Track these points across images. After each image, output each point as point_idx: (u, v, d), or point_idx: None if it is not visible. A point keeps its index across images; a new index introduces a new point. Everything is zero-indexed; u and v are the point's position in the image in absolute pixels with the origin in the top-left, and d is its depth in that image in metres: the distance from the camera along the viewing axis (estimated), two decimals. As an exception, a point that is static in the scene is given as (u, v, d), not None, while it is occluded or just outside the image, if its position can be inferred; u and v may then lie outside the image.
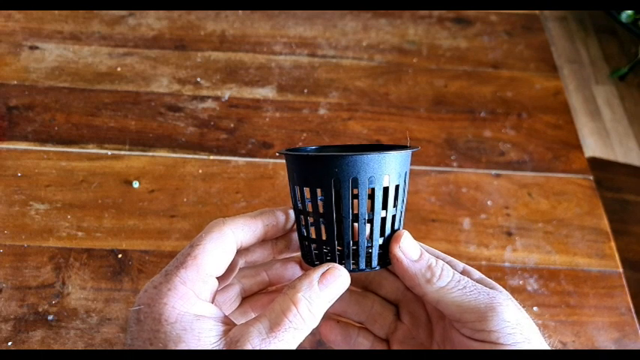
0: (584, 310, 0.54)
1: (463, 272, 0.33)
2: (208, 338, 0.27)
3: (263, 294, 0.37)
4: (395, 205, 0.32)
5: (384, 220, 0.31)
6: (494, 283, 0.33)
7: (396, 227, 0.32)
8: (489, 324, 0.29)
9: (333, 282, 0.30)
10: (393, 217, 0.32)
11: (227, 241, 0.30)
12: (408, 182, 0.33)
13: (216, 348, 0.27)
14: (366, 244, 0.31)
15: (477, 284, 0.31)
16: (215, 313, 0.29)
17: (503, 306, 0.30)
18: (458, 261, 0.34)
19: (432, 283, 0.31)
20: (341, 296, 0.31)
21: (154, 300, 0.28)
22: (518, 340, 0.29)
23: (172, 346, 0.26)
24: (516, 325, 0.29)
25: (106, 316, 0.49)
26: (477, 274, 0.33)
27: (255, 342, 0.27)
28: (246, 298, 0.36)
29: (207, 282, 0.29)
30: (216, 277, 0.30)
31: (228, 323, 0.29)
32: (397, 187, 0.31)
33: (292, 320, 0.28)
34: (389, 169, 0.30)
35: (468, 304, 0.30)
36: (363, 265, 0.31)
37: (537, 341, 0.30)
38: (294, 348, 0.28)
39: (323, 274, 0.30)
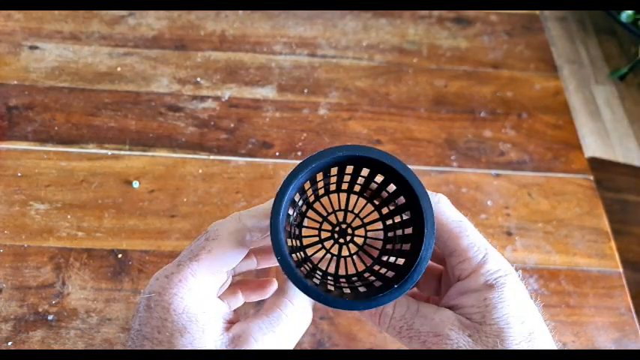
0: (584, 310, 0.54)
1: (477, 267, 0.31)
2: (213, 330, 0.28)
3: (252, 279, 0.37)
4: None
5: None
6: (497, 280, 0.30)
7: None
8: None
9: None
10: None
11: (242, 238, 0.30)
12: None
13: (220, 341, 0.28)
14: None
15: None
16: (222, 309, 0.30)
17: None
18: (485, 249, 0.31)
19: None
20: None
21: (164, 289, 0.28)
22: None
23: (178, 336, 0.27)
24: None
25: (106, 316, 0.50)
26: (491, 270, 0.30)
27: (258, 336, 0.28)
28: (235, 278, 0.37)
29: (218, 276, 0.30)
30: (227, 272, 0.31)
31: (232, 320, 0.30)
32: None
33: (288, 315, 0.29)
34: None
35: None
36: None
37: None
38: (295, 340, 0.30)
39: None
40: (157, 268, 0.53)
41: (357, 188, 0.33)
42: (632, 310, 0.54)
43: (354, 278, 0.33)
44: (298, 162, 0.28)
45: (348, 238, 0.33)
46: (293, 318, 0.29)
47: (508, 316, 0.29)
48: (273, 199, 0.28)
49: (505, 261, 0.31)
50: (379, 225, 0.33)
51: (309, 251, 0.33)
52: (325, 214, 0.33)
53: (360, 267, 0.33)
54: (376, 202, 0.33)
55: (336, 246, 0.33)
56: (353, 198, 0.34)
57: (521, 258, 0.56)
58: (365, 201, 0.34)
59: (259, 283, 0.36)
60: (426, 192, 0.28)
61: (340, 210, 0.33)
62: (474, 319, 0.29)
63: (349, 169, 0.31)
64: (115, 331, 0.49)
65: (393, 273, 0.30)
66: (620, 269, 0.57)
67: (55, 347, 0.48)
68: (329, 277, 0.33)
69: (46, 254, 0.53)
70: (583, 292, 0.55)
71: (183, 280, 0.29)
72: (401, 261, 0.30)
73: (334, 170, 0.31)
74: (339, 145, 0.28)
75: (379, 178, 0.31)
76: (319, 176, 0.31)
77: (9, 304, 0.50)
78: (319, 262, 0.33)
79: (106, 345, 0.48)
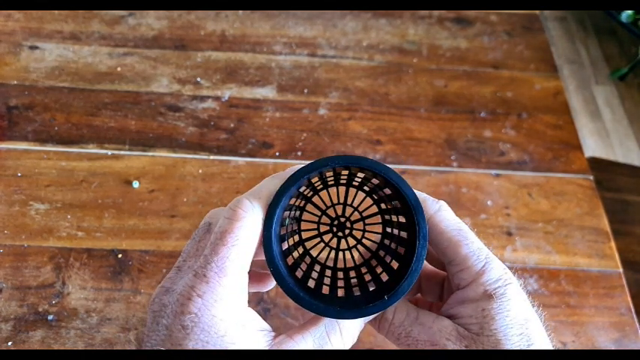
0: (584, 310, 0.54)
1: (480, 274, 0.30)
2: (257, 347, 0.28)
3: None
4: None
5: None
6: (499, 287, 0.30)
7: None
8: None
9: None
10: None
11: (258, 232, 0.29)
12: None
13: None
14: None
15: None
16: (258, 323, 0.29)
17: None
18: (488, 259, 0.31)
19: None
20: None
21: (201, 311, 0.27)
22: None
23: None
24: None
25: (106, 316, 0.50)
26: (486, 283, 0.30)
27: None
28: None
29: (246, 283, 0.29)
30: None
31: (267, 329, 0.29)
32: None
33: (334, 343, 0.29)
34: None
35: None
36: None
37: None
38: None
39: None
40: (157, 268, 0.53)
41: (355, 183, 0.33)
42: (632, 310, 0.54)
43: (352, 273, 0.33)
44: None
45: (347, 231, 0.33)
46: (337, 345, 0.29)
47: (506, 327, 0.28)
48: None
49: (506, 270, 0.31)
50: (378, 219, 0.33)
51: (308, 245, 0.33)
52: (324, 207, 0.33)
53: (359, 260, 0.34)
54: (375, 197, 0.33)
55: (335, 239, 0.33)
56: (352, 191, 0.33)
57: (521, 258, 0.56)
58: (364, 194, 0.34)
59: (259, 277, 0.36)
60: (420, 205, 0.28)
61: (339, 204, 0.33)
62: (472, 329, 0.29)
63: (345, 171, 0.31)
64: (115, 331, 0.49)
65: (387, 277, 0.30)
66: (620, 269, 0.57)
67: (55, 347, 0.48)
68: (327, 272, 0.33)
69: (46, 254, 0.53)
70: (583, 292, 0.55)
71: (219, 300, 0.28)
72: (395, 264, 0.30)
73: (329, 172, 0.31)
74: (335, 154, 0.28)
75: (375, 180, 0.31)
76: (315, 178, 0.31)
77: (9, 304, 0.50)
78: (318, 255, 0.33)
79: (106, 345, 0.48)
